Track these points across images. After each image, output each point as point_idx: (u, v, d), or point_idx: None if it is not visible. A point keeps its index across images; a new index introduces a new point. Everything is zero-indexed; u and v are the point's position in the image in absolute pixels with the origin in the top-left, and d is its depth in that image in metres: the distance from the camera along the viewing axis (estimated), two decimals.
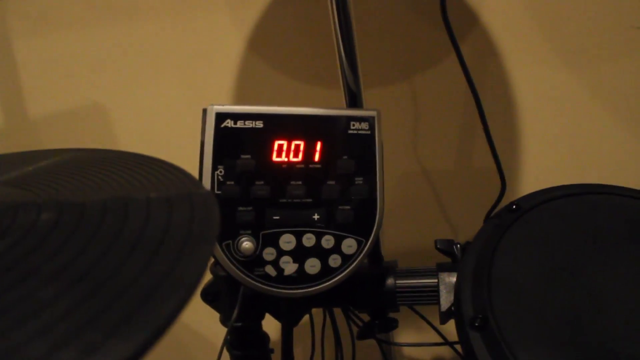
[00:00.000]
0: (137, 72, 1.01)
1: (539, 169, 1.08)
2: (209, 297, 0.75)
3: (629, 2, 0.96)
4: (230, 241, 0.58)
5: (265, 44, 1.00)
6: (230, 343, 0.78)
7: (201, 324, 1.17)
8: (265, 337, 0.80)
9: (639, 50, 1.00)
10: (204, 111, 0.59)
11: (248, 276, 0.59)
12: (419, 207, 1.09)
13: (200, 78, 1.02)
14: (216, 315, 0.75)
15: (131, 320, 0.27)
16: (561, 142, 1.07)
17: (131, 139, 1.05)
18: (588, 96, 1.03)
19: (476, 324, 0.55)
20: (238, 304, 0.70)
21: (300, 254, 0.60)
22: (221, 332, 0.74)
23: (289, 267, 0.60)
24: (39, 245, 0.33)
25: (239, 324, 0.74)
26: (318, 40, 0.98)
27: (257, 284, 0.59)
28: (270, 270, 0.59)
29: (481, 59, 1.00)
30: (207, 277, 0.74)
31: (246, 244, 0.58)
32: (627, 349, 0.52)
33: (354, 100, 0.71)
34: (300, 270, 0.60)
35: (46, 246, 0.33)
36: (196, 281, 0.31)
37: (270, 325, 0.77)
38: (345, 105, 0.74)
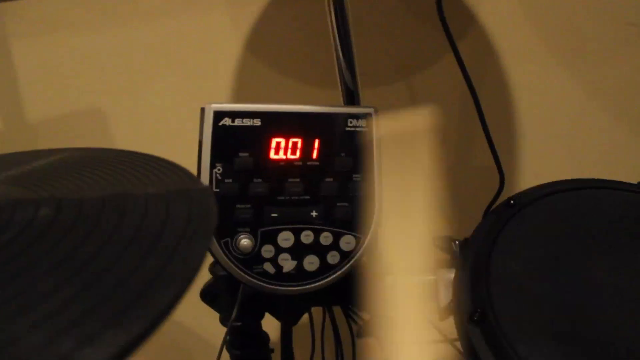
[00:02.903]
0: (135, 75, 1.02)
1: (538, 166, 1.08)
2: (208, 297, 0.75)
3: (624, 0, 0.97)
4: (229, 239, 0.59)
5: (263, 44, 1.01)
6: (230, 343, 0.78)
7: (201, 324, 1.17)
8: (265, 336, 0.80)
9: (633, 47, 1.00)
10: (202, 110, 0.59)
11: (247, 274, 0.59)
12: (418, 204, 1.09)
13: (199, 79, 1.02)
14: (216, 315, 0.75)
15: (128, 311, 0.27)
16: (559, 139, 1.07)
17: (129, 140, 1.05)
18: (585, 93, 1.03)
19: (475, 318, 0.55)
20: (237, 304, 0.71)
21: (298, 251, 0.60)
22: (221, 332, 0.74)
23: (288, 264, 0.60)
24: (38, 239, 0.33)
25: (239, 323, 0.74)
26: (315, 40, 0.98)
27: (255, 281, 0.60)
28: (269, 267, 0.60)
29: (479, 58, 1.00)
30: (207, 277, 0.74)
31: (244, 242, 0.58)
32: (625, 341, 0.53)
33: (351, 98, 0.71)
34: (299, 267, 0.60)
35: (45, 241, 0.33)
36: (192, 275, 0.31)
37: (271, 325, 0.77)
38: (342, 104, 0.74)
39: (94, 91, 1.02)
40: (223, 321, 0.75)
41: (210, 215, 0.37)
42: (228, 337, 0.77)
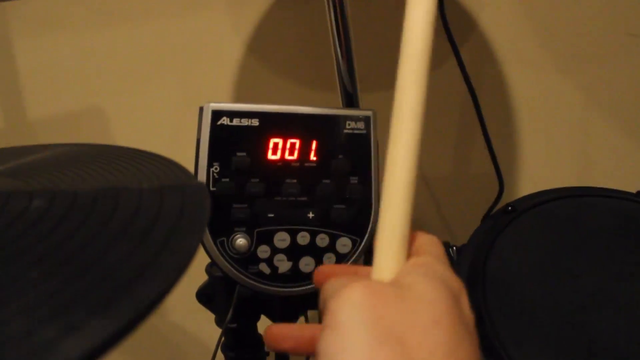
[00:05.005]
0: (136, 74, 1.02)
1: (538, 173, 1.08)
2: (204, 298, 0.75)
3: (625, 10, 0.97)
4: (225, 238, 0.58)
5: (264, 47, 1.01)
6: (225, 344, 0.77)
7: (197, 325, 1.17)
8: (260, 339, 0.79)
9: (633, 56, 1.00)
10: (201, 109, 0.59)
11: (242, 273, 0.59)
12: (417, 212, 1.09)
13: (199, 80, 1.02)
14: (212, 316, 0.75)
15: (114, 302, 0.27)
16: (559, 146, 1.07)
17: (129, 139, 1.04)
18: (584, 101, 1.03)
19: None
20: (233, 305, 0.70)
21: (294, 252, 0.60)
22: (217, 333, 0.74)
23: (283, 265, 0.60)
24: (29, 230, 0.33)
25: (234, 325, 0.73)
26: (316, 44, 0.98)
27: (251, 281, 0.59)
28: (264, 268, 0.59)
29: (479, 64, 1.00)
30: (203, 277, 0.74)
31: (240, 241, 0.58)
32: (618, 347, 0.52)
33: (350, 100, 0.71)
34: (295, 268, 0.60)
35: (36, 231, 0.33)
36: (182, 268, 0.31)
37: None
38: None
39: (94, 90, 1.02)
40: (218, 322, 0.75)
41: (203, 210, 0.37)
42: (223, 339, 0.77)
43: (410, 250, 0.39)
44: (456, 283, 0.35)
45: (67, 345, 0.24)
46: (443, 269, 0.36)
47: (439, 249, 0.39)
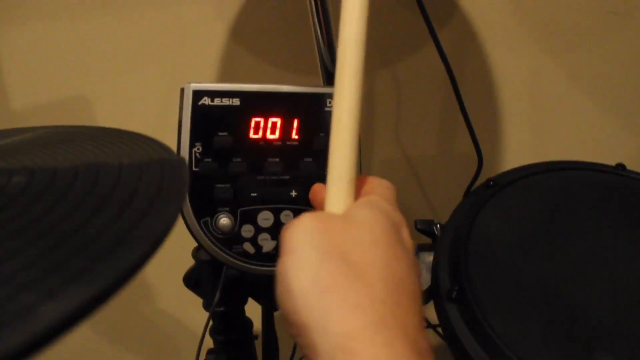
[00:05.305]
0: (120, 62, 1.01)
1: (519, 150, 1.09)
2: (192, 282, 0.75)
3: None
4: (208, 218, 0.58)
5: (247, 32, 1.00)
6: (213, 328, 0.78)
7: (185, 311, 1.17)
8: (248, 322, 0.80)
9: (613, 34, 1.01)
10: (182, 90, 0.59)
11: (226, 253, 0.59)
12: (401, 192, 1.09)
13: (183, 66, 1.02)
14: (199, 301, 0.75)
15: (92, 269, 0.27)
16: (540, 123, 1.08)
17: (114, 126, 1.04)
18: (564, 79, 1.04)
19: (453, 295, 0.55)
20: (220, 288, 0.70)
21: (278, 231, 0.59)
22: (205, 318, 0.74)
23: (268, 244, 0.60)
24: (8, 204, 0.33)
25: (222, 308, 0.74)
26: (300, 29, 0.98)
27: (235, 261, 0.60)
28: (248, 247, 0.60)
29: (461, 44, 1.01)
30: (190, 263, 0.74)
31: (224, 221, 0.58)
32: (601, 319, 0.53)
33: (331, 79, 0.71)
34: (279, 247, 0.60)
35: (15, 205, 0.33)
36: (160, 237, 0.31)
37: (256, 315, 0.77)
38: None
39: (79, 77, 1.02)
40: (206, 306, 0.75)
41: (181, 182, 0.37)
42: (211, 323, 0.77)
43: (360, 192, 0.44)
44: (397, 216, 0.42)
45: (46, 310, 0.24)
46: (387, 205, 0.42)
47: (388, 191, 0.45)
